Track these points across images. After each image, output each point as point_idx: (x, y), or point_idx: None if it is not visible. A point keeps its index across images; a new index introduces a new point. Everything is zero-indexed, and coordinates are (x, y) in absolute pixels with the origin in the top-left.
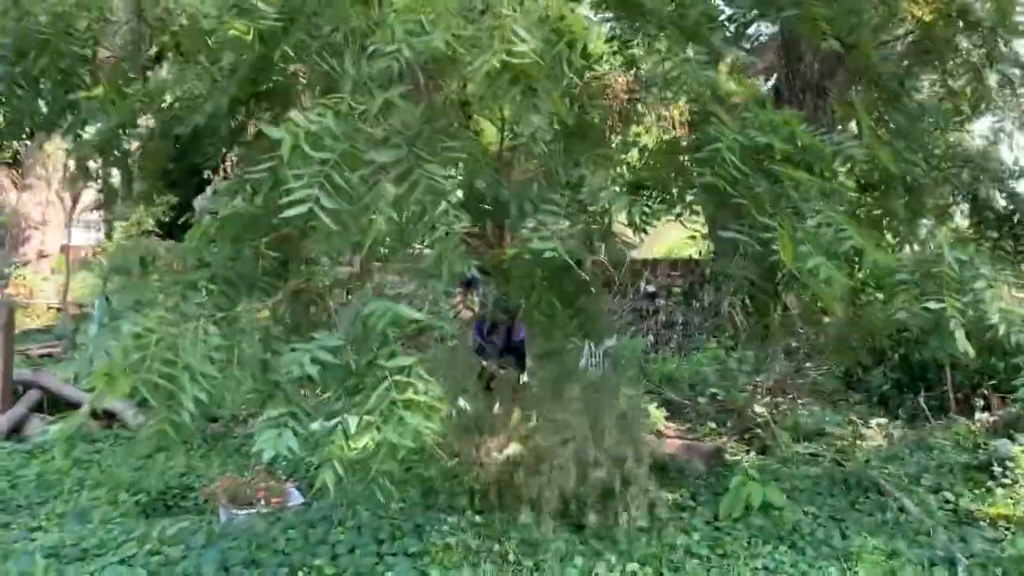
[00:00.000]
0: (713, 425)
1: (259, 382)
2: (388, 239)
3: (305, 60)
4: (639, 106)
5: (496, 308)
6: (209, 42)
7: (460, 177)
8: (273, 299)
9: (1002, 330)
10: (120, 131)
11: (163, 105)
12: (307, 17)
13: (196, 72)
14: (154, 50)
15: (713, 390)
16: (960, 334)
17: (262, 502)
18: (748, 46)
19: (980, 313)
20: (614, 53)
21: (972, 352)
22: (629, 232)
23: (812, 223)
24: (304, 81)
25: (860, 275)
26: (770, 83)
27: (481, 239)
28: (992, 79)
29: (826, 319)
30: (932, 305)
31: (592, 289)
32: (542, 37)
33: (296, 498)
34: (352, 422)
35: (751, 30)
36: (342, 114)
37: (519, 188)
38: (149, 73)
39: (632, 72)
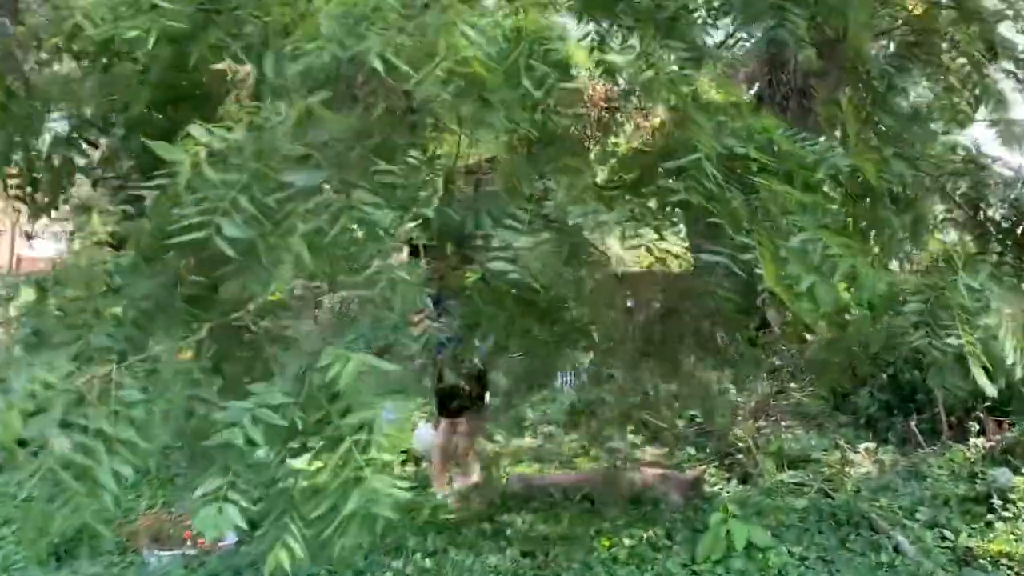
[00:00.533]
0: (692, 451)
1: (188, 443)
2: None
3: (231, 60)
4: (619, 115)
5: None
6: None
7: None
8: (197, 334)
9: (1020, 373)
10: (19, 141)
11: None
12: (229, 12)
13: (96, 75)
14: (43, 56)
15: (692, 412)
16: (980, 373)
17: (188, 542)
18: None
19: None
20: (597, 62)
21: (993, 391)
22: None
23: (796, 241)
24: (235, 82)
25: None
26: (753, 91)
27: (442, 260)
28: (993, 74)
29: (809, 337)
30: (952, 341)
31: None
32: (500, 38)
33: (230, 537)
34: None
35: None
36: (255, 127)
37: (475, 203)
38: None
39: (611, 79)
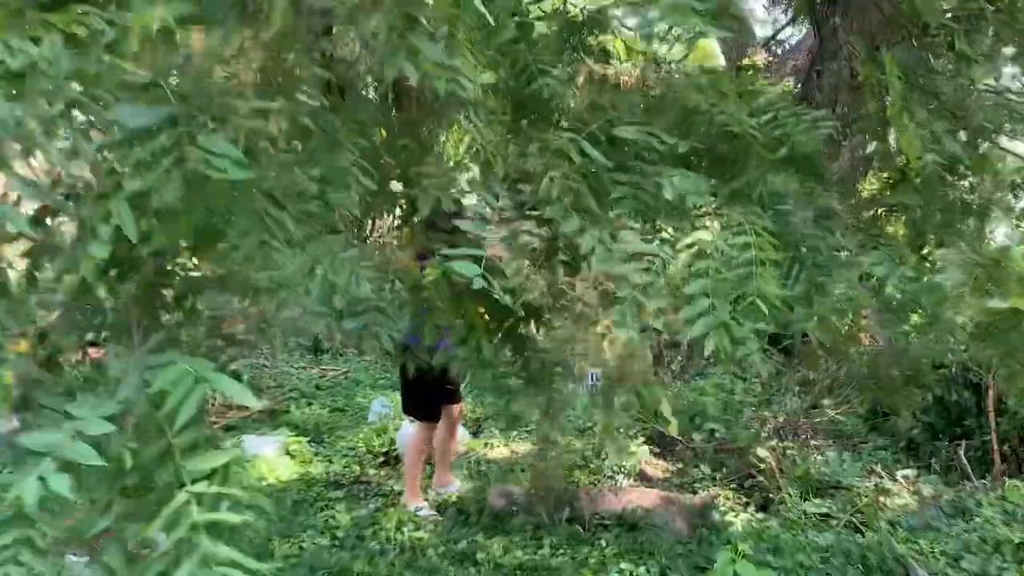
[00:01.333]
0: (708, 470)
1: None
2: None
3: None
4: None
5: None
6: None
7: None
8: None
9: None
10: None
11: None
12: None
13: None
14: None
15: (712, 425)
16: None
17: None
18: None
19: None
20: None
21: None
22: None
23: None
24: None
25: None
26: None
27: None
28: None
29: (853, 349)
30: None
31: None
32: None
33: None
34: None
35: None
36: (82, 40)
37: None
38: None
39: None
